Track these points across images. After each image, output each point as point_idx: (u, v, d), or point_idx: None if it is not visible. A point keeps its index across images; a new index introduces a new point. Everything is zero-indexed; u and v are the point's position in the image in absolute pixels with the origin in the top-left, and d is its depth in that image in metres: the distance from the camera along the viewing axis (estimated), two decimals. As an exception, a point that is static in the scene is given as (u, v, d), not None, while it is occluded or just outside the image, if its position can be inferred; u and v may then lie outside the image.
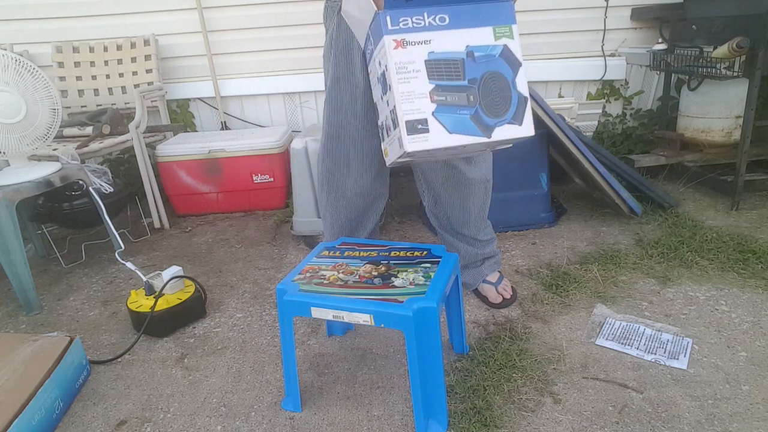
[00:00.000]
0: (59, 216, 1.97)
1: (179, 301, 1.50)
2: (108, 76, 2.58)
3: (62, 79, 2.56)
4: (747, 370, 1.20)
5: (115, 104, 2.57)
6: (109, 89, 2.59)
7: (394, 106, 1.06)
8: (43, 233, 2.11)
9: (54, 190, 1.76)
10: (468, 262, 1.55)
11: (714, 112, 2.18)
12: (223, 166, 2.34)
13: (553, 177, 2.06)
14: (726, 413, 1.08)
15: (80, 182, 1.87)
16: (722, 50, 1.86)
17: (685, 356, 1.25)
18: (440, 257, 1.16)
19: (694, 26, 2.12)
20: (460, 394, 1.17)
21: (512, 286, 1.57)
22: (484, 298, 1.54)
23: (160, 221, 2.31)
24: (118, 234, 1.83)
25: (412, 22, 1.05)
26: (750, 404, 1.10)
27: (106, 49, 2.58)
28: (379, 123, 1.19)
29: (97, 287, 1.83)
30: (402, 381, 1.23)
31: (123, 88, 2.58)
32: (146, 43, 2.56)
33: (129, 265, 1.68)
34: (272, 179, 2.38)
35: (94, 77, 2.58)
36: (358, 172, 1.39)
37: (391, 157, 1.16)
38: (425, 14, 1.05)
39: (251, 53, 2.72)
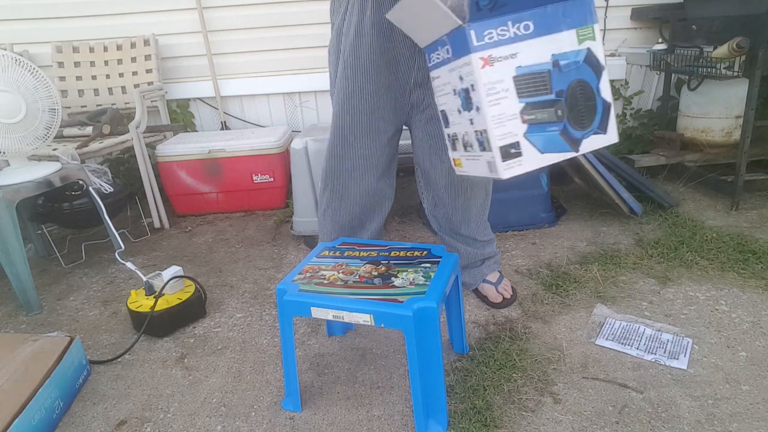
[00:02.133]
0: (59, 216, 1.97)
1: (179, 301, 1.50)
2: (108, 76, 2.58)
3: (62, 79, 2.56)
4: (747, 370, 1.20)
5: (115, 104, 2.57)
6: (109, 89, 2.59)
7: (484, 130, 0.99)
8: (43, 233, 2.11)
9: (54, 190, 1.76)
10: (468, 262, 1.55)
11: (714, 112, 2.18)
12: (223, 166, 2.34)
13: (553, 177, 2.06)
14: (726, 413, 1.08)
15: (80, 182, 1.87)
16: (722, 50, 1.86)
17: (685, 356, 1.25)
18: (440, 257, 1.16)
19: (694, 26, 2.11)
20: (460, 394, 1.17)
21: (512, 286, 1.57)
22: (484, 298, 1.54)
23: (160, 221, 2.31)
24: (118, 234, 1.83)
25: (497, 35, 0.96)
26: (750, 404, 1.10)
27: (106, 49, 2.58)
28: (449, 133, 1.13)
29: (97, 287, 1.83)
30: (402, 381, 1.23)
31: (123, 88, 2.58)
32: (146, 43, 2.56)
33: (129, 265, 1.68)
34: (272, 179, 2.38)
35: (94, 77, 2.58)
36: (363, 171, 1.38)
37: (468, 171, 1.12)
38: (509, 24, 0.96)
39: (251, 53, 2.73)
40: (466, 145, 1.09)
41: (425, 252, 1.20)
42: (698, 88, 2.21)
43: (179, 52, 2.70)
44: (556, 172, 2.16)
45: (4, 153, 1.65)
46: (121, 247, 1.80)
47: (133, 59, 2.58)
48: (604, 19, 2.64)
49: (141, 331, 1.45)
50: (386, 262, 1.16)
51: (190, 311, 1.54)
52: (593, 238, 1.91)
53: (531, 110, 1.01)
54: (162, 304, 1.47)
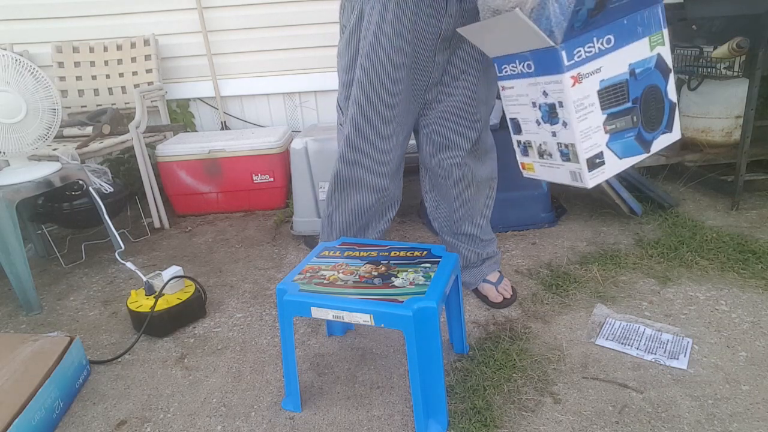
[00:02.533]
0: (59, 216, 1.97)
1: (179, 301, 1.50)
2: (108, 76, 2.58)
3: (62, 79, 2.56)
4: (747, 370, 1.20)
5: (115, 104, 2.57)
6: (109, 89, 2.59)
7: (572, 144, 1.04)
8: (43, 233, 2.11)
9: (54, 190, 1.76)
10: (468, 262, 1.55)
11: (714, 112, 2.18)
12: (223, 166, 2.34)
13: (553, 177, 2.06)
14: (726, 413, 1.08)
15: (80, 182, 1.87)
16: (722, 50, 1.86)
17: (685, 356, 1.25)
18: (440, 257, 1.16)
19: (694, 26, 2.11)
20: (460, 394, 1.17)
21: (512, 286, 1.57)
22: (484, 298, 1.54)
23: (160, 221, 2.31)
24: (118, 234, 1.83)
25: (584, 52, 0.99)
26: (750, 404, 1.10)
27: (106, 49, 2.58)
28: (521, 140, 1.17)
29: (97, 287, 1.83)
30: (402, 381, 1.23)
31: (123, 88, 2.58)
32: (146, 43, 2.56)
33: (129, 265, 1.68)
34: (272, 179, 2.38)
35: (94, 77, 2.58)
36: (376, 172, 1.37)
37: (541, 176, 1.18)
38: (594, 40, 0.99)
39: (251, 53, 2.73)
40: (543, 154, 1.15)
41: (425, 252, 1.20)
42: (698, 88, 2.21)
43: (179, 52, 2.70)
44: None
45: (4, 153, 1.65)
46: (121, 247, 1.80)
47: (133, 59, 2.58)
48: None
49: (141, 331, 1.45)
50: (386, 262, 1.16)
51: (190, 311, 1.54)
52: (593, 238, 1.91)
53: (611, 120, 1.06)
54: (162, 304, 1.47)
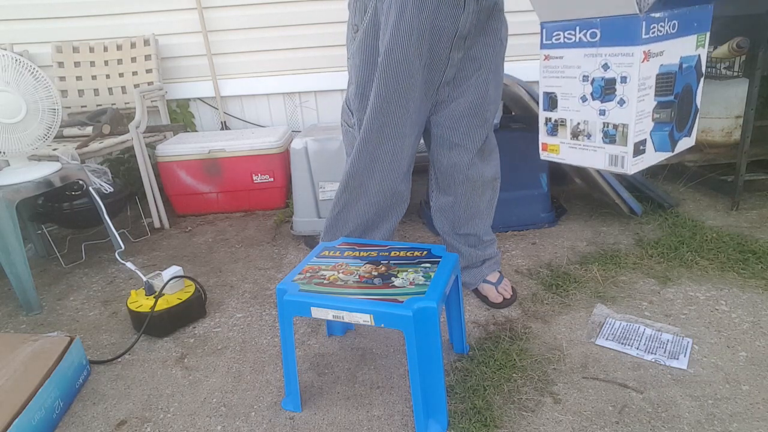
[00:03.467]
0: (59, 216, 1.97)
1: (179, 301, 1.50)
2: (108, 76, 2.58)
3: (62, 79, 2.56)
4: (747, 370, 1.20)
5: (115, 104, 2.57)
6: (109, 89, 2.59)
7: (624, 124, 0.98)
8: (43, 233, 2.12)
9: (54, 190, 1.76)
10: (469, 262, 1.55)
11: (714, 112, 2.18)
12: (223, 166, 2.34)
13: (553, 177, 2.06)
14: (726, 413, 1.08)
15: (80, 182, 1.87)
16: (722, 50, 1.86)
17: (685, 356, 1.25)
18: (440, 257, 1.16)
19: (694, 26, 2.11)
20: (460, 394, 1.17)
21: (512, 286, 1.57)
22: (484, 298, 1.54)
23: (160, 221, 2.31)
24: (118, 234, 1.83)
25: (657, 30, 0.93)
26: (750, 404, 1.10)
27: (106, 49, 2.58)
28: (551, 117, 1.09)
29: (97, 287, 1.83)
30: (402, 381, 1.23)
31: (123, 88, 2.58)
32: (146, 43, 2.57)
33: (129, 265, 1.68)
34: (272, 179, 2.38)
35: (94, 77, 2.58)
36: (388, 171, 1.36)
37: (566, 159, 1.10)
38: (666, 20, 0.94)
39: (251, 53, 2.73)
40: (578, 134, 1.07)
41: (425, 252, 1.20)
42: (698, 88, 2.21)
43: (179, 52, 2.70)
44: (556, 172, 2.16)
45: (4, 153, 1.65)
46: (121, 247, 1.81)
47: (133, 59, 2.58)
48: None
49: (141, 331, 1.45)
50: (386, 262, 1.16)
51: (190, 311, 1.54)
52: (593, 238, 1.91)
53: (659, 109, 1.02)
54: (162, 304, 1.47)
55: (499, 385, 1.19)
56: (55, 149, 2.00)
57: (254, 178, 2.37)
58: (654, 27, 0.91)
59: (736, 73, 1.93)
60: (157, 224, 2.30)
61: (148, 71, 2.56)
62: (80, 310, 1.68)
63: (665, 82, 1.01)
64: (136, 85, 2.54)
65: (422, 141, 1.46)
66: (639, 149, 1.01)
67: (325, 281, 1.10)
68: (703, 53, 1.06)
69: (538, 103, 1.69)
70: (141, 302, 1.49)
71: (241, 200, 2.44)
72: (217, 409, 1.19)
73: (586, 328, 1.39)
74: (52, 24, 2.60)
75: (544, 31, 1.05)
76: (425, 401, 1.03)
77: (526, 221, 2.03)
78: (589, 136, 1.06)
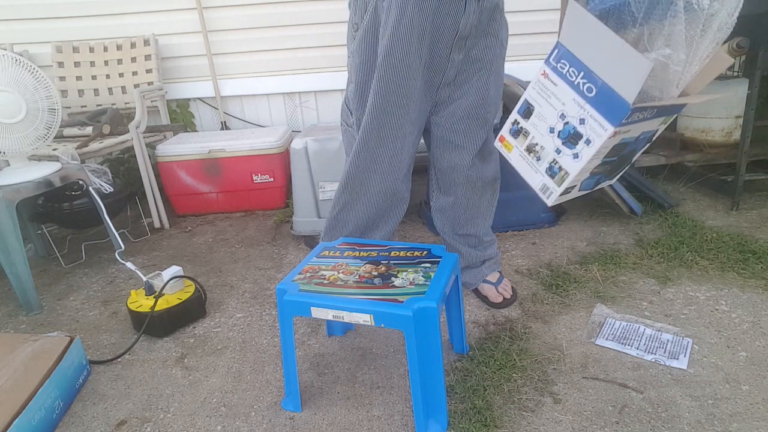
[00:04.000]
0: (59, 216, 1.97)
1: (179, 301, 1.50)
2: (108, 76, 2.58)
3: (62, 79, 2.56)
4: (747, 370, 1.20)
5: (115, 104, 2.57)
6: (109, 89, 2.59)
7: (567, 172, 1.11)
8: (43, 233, 2.12)
9: (54, 190, 1.76)
10: (469, 263, 1.55)
11: (714, 112, 2.18)
12: (223, 166, 2.34)
13: (553, 177, 2.06)
14: (726, 413, 1.08)
15: (80, 182, 1.87)
16: (722, 50, 1.86)
17: (685, 356, 1.25)
18: (440, 257, 1.16)
19: (694, 26, 2.11)
20: (460, 394, 1.17)
21: (512, 286, 1.57)
22: (484, 298, 1.54)
23: (160, 221, 2.31)
24: (118, 234, 1.83)
25: (635, 117, 1.03)
26: (750, 404, 1.10)
27: (106, 49, 2.58)
28: (519, 122, 1.18)
29: (97, 287, 1.83)
30: (402, 381, 1.23)
31: (123, 88, 2.58)
32: (146, 43, 2.57)
33: (129, 265, 1.68)
34: (272, 179, 2.38)
35: (94, 77, 2.58)
36: (388, 172, 1.36)
37: (512, 161, 1.20)
38: (647, 111, 1.04)
39: (251, 53, 2.73)
40: (531, 150, 1.17)
41: (425, 252, 1.20)
42: (698, 88, 2.21)
43: (179, 52, 2.70)
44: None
45: (4, 153, 1.65)
46: (121, 247, 1.81)
47: (133, 59, 2.58)
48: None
49: (141, 331, 1.45)
50: (386, 262, 1.16)
51: (190, 311, 1.54)
52: (593, 238, 1.91)
53: (600, 166, 1.14)
54: (162, 304, 1.47)
55: (499, 385, 1.19)
56: (55, 149, 2.00)
57: (254, 178, 2.37)
58: (634, 115, 1.00)
59: (736, 73, 1.93)
60: (157, 224, 2.30)
61: (148, 71, 2.56)
62: (80, 310, 1.68)
63: (617, 148, 1.11)
64: (136, 85, 2.54)
65: (422, 141, 1.46)
66: (566, 191, 1.15)
67: (325, 281, 1.10)
68: (663, 127, 1.17)
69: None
70: (141, 302, 1.49)
71: (241, 200, 2.44)
72: (217, 409, 1.19)
73: (586, 328, 1.39)
74: (52, 24, 2.60)
75: (556, 50, 1.10)
76: (425, 401, 1.03)
77: (526, 221, 2.03)
78: (538, 158, 1.16)
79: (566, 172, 1.11)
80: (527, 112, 1.17)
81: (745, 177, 2.00)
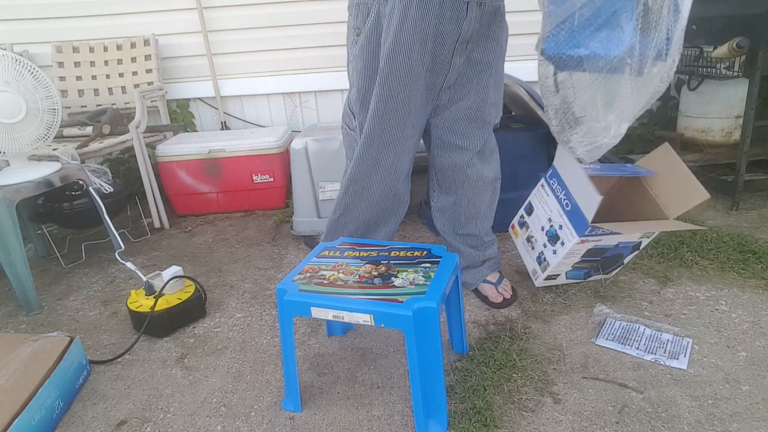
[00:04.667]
0: (59, 216, 1.97)
1: (179, 301, 1.50)
2: (108, 76, 2.58)
3: (62, 79, 2.56)
4: (747, 370, 1.20)
5: (115, 104, 2.57)
6: (109, 89, 2.59)
7: (548, 262, 1.44)
8: (43, 233, 2.11)
9: (54, 190, 1.76)
10: (469, 263, 1.55)
11: (714, 112, 2.18)
12: (223, 166, 2.34)
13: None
14: (726, 413, 1.08)
15: (80, 182, 1.87)
16: (722, 50, 1.86)
17: (685, 356, 1.25)
18: (440, 257, 1.16)
19: (694, 26, 2.11)
20: (460, 394, 1.17)
21: (512, 286, 1.57)
22: (484, 298, 1.54)
23: (160, 221, 2.31)
24: (118, 234, 1.83)
25: (598, 233, 1.33)
26: (750, 404, 1.10)
27: (106, 49, 2.58)
28: (526, 220, 1.56)
29: (97, 287, 1.83)
30: (402, 381, 1.23)
31: (123, 88, 2.58)
32: (146, 43, 2.56)
33: (129, 265, 1.68)
34: (272, 179, 2.38)
35: (94, 77, 2.58)
36: (389, 174, 1.36)
37: (517, 247, 1.61)
38: (615, 238, 1.36)
39: (251, 53, 2.72)
40: (528, 241, 1.54)
41: (425, 252, 1.20)
42: (698, 88, 2.21)
43: (179, 52, 2.70)
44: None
45: (4, 153, 1.65)
46: (121, 247, 1.80)
47: (133, 59, 2.58)
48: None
49: (141, 331, 1.45)
50: (386, 262, 1.16)
51: (190, 311, 1.54)
52: (593, 238, 1.91)
53: (582, 263, 1.44)
54: (162, 304, 1.47)
55: (499, 385, 1.19)
56: (55, 149, 1.99)
57: (254, 178, 2.37)
58: (595, 231, 1.31)
59: (736, 73, 1.93)
60: (157, 224, 2.30)
61: (148, 71, 2.56)
62: (80, 310, 1.68)
63: (595, 252, 1.40)
64: (136, 85, 2.54)
65: (422, 141, 1.46)
66: (550, 277, 1.48)
67: (325, 281, 1.10)
68: (647, 240, 1.44)
69: (539, 105, 1.80)
70: (141, 302, 1.49)
71: (241, 200, 2.44)
72: (217, 409, 1.19)
73: (586, 328, 1.39)
74: (52, 24, 2.60)
75: (551, 170, 1.46)
76: (425, 401, 1.03)
77: (526, 221, 2.03)
78: (533, 248, 1.51)
79: (548, 263, 1.43)
80: (529, 210, 1.54)
81: (745, 177, 2.00)
